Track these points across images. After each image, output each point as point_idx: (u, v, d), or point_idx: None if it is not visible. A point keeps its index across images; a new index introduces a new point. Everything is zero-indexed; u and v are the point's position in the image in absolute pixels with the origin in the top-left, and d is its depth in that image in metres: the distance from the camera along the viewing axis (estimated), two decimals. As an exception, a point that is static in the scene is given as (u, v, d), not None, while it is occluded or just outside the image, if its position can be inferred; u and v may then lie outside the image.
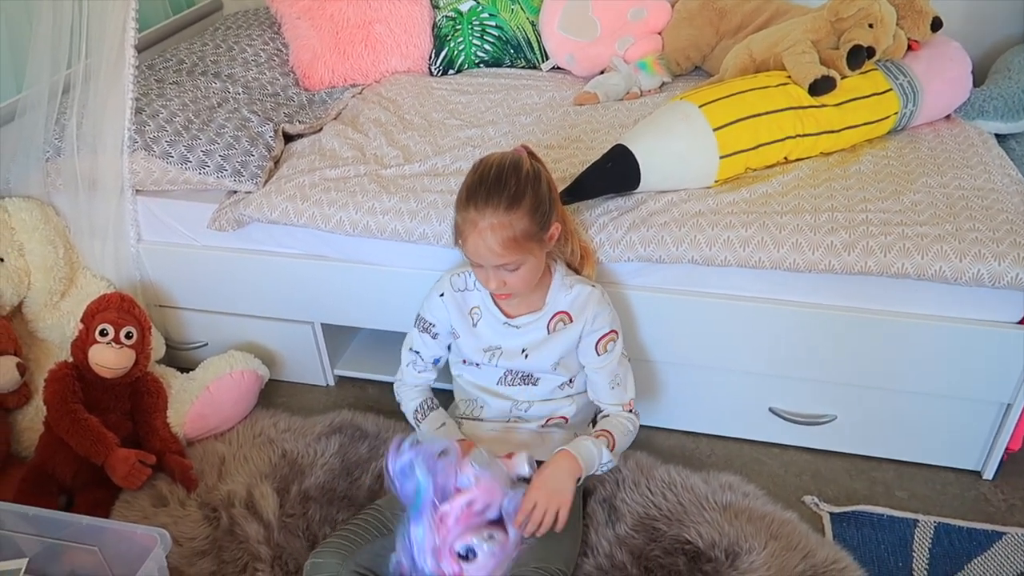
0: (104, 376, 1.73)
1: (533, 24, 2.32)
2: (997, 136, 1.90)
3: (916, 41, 1.87)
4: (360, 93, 2.27)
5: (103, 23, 1.78)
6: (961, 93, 1.89)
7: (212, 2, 2.73)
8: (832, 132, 1.75)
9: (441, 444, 1.33)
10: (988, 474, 1.70)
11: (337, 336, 2.05)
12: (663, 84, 2.21)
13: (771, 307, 1.62)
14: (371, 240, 1.74)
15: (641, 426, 1.87)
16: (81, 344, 1.74)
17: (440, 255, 1.73)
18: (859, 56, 1.76)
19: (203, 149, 1.84)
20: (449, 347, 1.60)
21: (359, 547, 1.35)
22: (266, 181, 1.84)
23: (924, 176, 1.69)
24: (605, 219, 1.65)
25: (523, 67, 2.39)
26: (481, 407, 1.61)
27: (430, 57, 2.38)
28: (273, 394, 2.02)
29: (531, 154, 1.44)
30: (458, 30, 2.33)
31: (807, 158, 1.77)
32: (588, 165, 1.67)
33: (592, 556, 1.53)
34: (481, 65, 2.40)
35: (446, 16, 2.33)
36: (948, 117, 1.93)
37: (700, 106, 1.68)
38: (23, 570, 1.35)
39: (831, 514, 1.64)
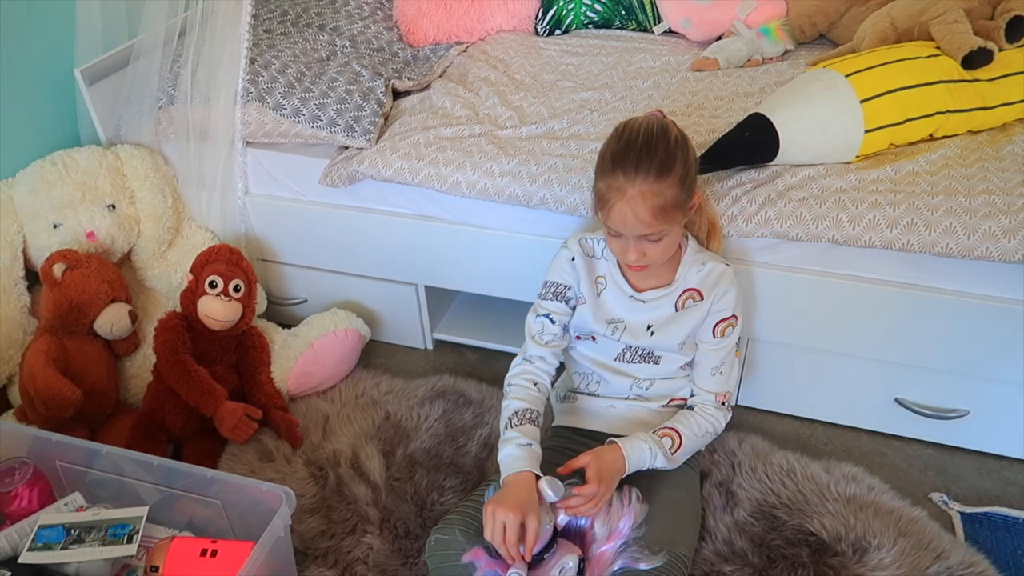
0: (212, 328, 1.72)
1: (648, -15, 2.22)
2: None
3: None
4: (465, 51, 2.20)
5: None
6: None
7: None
8: (984, 109, 1.63)
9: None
10: None
11: (435, 299, 2.01)
12: (786, 52, 2.09)
13: (910, 292, 1.53)
14: (486, 203, 1.68)
15: (752, 409, 1.82)
16: (191, 295, 1.73)
17: (556, 221, 1.67)
18: (1020, 28, 1.63)
19: (316, 102, 1.80)
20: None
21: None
22: (378, 138, 1.79)
23: (1086, 160, 1.57)
24: (738, 192, 1.56)
25: (633, 29, 2.29)
26: (597, 383, 1.55)
27: (536, 16, 2.30)
28: (371, 354, 2.00)
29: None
30: (569, -11, 2.25)
31: (953, 136, 1.66)
32: (723, 134, 1.58)
33: (711, 541, 1.48)
34: (590, 26, 2.31)
35: (556, -27, 2.25)
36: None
37: (847, 75, 1.57)
38: (143, 518, 1.35)
39: (962, 514, 1.55)
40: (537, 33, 2.31)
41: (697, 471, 1.54)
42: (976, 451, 1.69)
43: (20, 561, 1.27)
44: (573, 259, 1.45)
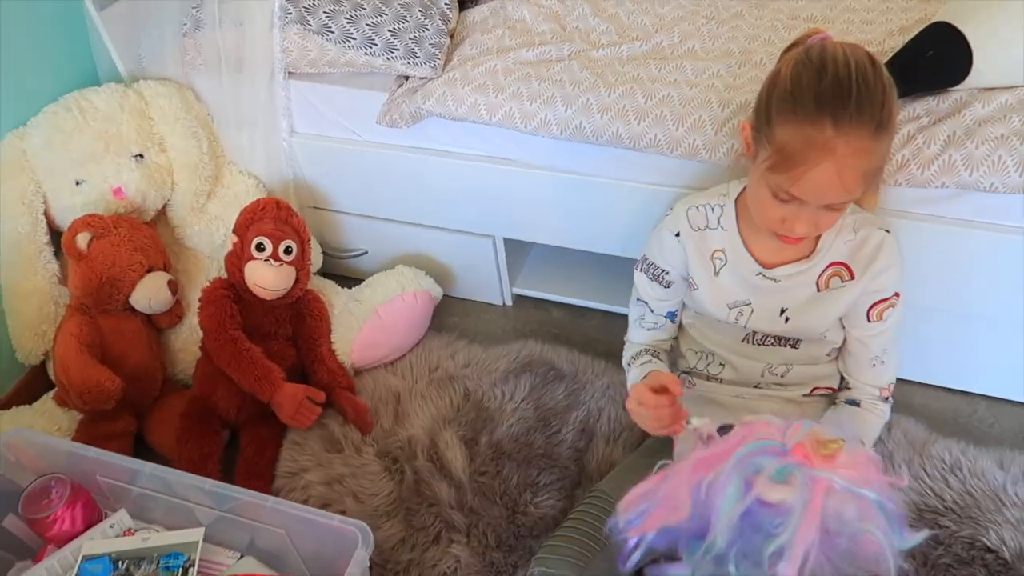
0: (262, 297, 1.49)
1: None
2: None
3: None
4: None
5: None
6: None
7: None
8: None
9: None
10: None
11: (511, 250, 1.73)
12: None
13: None
14: (581, 144, 1.37)
15: (899, 380, 1.53)
16: (236, 260, 1.49)
17: (666, 167, 1.36)
18: None
19: (368, 22, 1.48)
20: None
21: (594, 554, 1.09)
22: (445, 64, 1.47)
23: None
24: (911, 127, 1.22)
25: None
26: (721, 365, 1.27)
27: None
28: (443, 313, 1.75)
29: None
30: None
31: None
32: (894, 52, 1.22)
33: (864, 560, 1.23)
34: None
35: None
36: None
37: (1067, -34, 1.18)
38: (199, 543, 1.16)
39: None
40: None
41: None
42: None
43: (63, 604, 1.11)
44: (678, 234, 1.15)
